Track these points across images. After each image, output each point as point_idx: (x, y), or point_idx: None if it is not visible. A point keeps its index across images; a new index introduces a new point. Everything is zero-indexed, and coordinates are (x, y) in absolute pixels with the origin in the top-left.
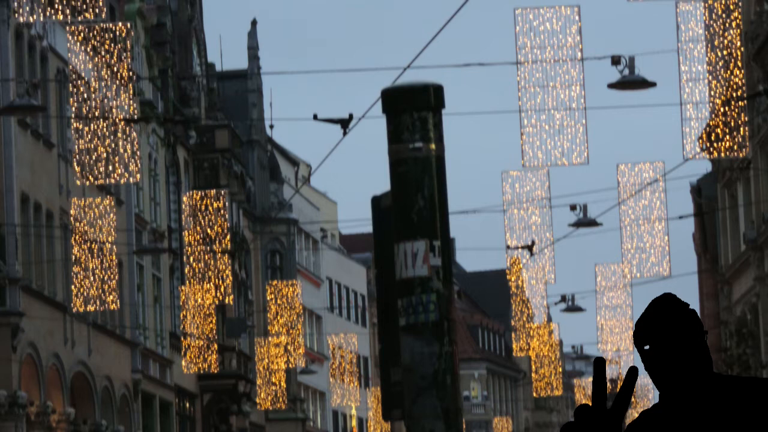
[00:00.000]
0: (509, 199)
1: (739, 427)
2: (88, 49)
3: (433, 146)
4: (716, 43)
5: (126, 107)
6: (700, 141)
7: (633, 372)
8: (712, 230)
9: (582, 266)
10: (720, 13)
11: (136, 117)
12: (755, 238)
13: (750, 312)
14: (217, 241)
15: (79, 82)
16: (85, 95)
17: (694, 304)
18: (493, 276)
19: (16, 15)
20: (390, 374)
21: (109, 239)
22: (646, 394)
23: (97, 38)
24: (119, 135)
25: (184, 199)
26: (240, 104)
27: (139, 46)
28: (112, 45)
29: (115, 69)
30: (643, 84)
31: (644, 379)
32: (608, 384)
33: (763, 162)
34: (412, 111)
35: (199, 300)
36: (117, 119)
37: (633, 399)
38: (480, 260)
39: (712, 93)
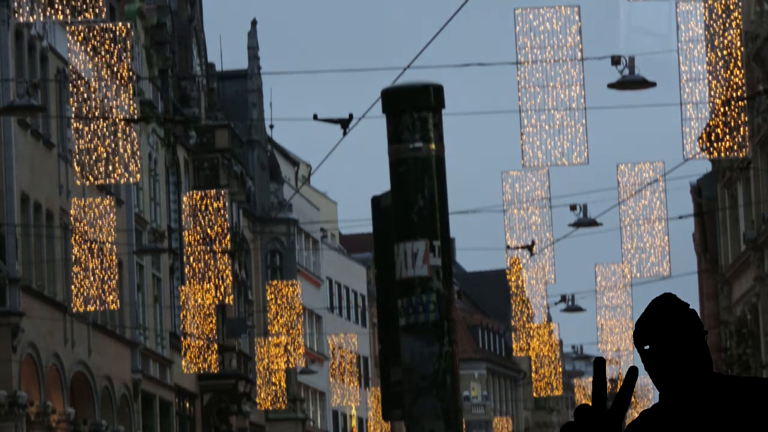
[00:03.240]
0: (509, 199)
1: (739, 427)
2: (88, 49)
3: (433, 146)
4: (716, 43)
5: (126, 107)
6: (700, 141)
7: (633, 372)
8: (712, 230)
9: (582, 266)
10: (720, 13)
11: (136, 117)
12: (755, 238)
13: (750, 312)
14: (217, 241)
15: (79, 82)
16: (85, 95)
17: (694, 304)
18: (493, 276)
19: (16, 15)
20: (390, 374)
21: (109, 239)
22: (646, 394)
23: (97, 38)
24: (119, 135)
25: (184, 199)
26: (240, 104)
27: (139, 46)
28: (112, 45)
29: (115, 69)
30: (643, 84)
31: (644, 379)
32: (608, 384)
33: (763, 162)
34: (412, 111)
35: (199, 300)
36: (117, 119)
37: (633, 399)
38: (480, 260)
39: (712, 93)
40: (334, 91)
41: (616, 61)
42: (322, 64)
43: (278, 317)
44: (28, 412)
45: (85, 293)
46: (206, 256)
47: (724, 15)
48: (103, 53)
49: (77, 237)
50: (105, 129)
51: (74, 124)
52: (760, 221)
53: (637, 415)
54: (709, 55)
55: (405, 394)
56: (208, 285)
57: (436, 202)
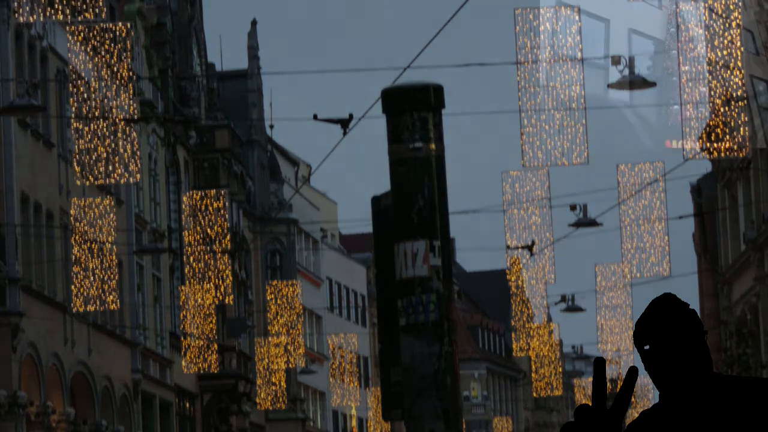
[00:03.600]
0: (509, 199)
1: (739, 427)
2: (88, 49)
3: (433, 146)
4: (716, 43)
5: (126, 107)
6: (700, 141)
7: (633, 372)
8: (712, 230)
9: (582, 266)
10: (720, 13)
11: (136, 117)
12: (755, 238)
13: (750, 312)
14: (217, 241)
15: (79, 82)
16: (85, 95)
17: (694, 304)
18: (493, 276)
19: (16, 15)
20: (390, 374)
21: (109, 239)
22: (646, 394)
23: (97, 38)
24: (119, 135)
25: (184, 199)
26: (240, 104)
27: (139, 46)
28: (112, 45)
29: (115, 69)
30: (643, 84)
31: (644, 379)
32: (608, 384)
33: (763, 162)
34: (412, 111)
35: (199, 300)
36: (117, 119)
37: (633, 399)
38: (480, 260)
39: (712, 93)
40: (334, 91)
41: (616, 61)
42: (322, 64)
43: (278, 317)
44: (28, 412)
45: (85, 293)
46: (206, 256)
47: (724, 15)
48: (103, 53)
49: (77, 237)
50: (105, 129)
51: (74, 124)
52: (760, 221)
53: (637, 415)
54: (709, 55)
55: (405, 394)
56: (208, 285)
57: (436, 202)
